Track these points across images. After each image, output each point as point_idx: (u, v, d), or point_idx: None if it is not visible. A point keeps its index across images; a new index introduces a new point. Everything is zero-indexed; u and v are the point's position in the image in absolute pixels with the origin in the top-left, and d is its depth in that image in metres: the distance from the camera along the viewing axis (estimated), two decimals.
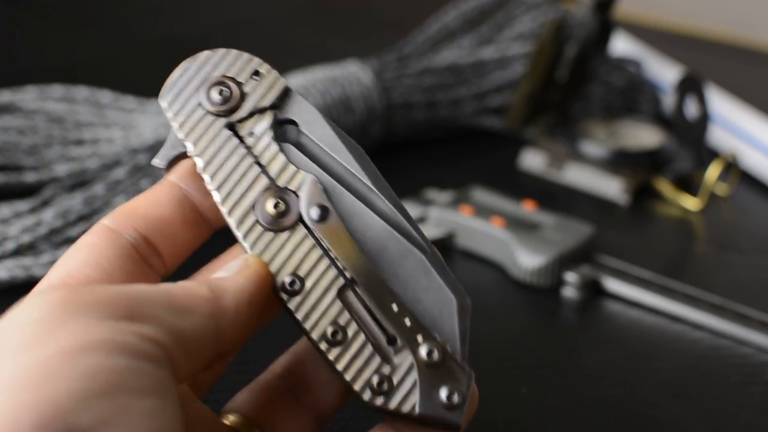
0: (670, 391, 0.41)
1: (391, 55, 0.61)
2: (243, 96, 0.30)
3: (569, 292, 0.47)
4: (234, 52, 0.31)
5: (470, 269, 0.49)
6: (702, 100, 0.57)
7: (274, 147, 0.30)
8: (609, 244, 0.51)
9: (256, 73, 0.31)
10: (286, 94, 0.31)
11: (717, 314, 0.45)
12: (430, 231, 0.50)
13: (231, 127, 0.30)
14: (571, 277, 0.47)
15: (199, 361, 0.27)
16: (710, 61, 0.76)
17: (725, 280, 0.50)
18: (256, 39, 0.76)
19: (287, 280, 0.29)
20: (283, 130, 0.31)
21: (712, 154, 0.59)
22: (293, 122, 0.31)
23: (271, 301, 0.29)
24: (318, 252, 0.29)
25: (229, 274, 0.29)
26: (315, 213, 0.29)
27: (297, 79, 0.56)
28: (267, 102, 0.30)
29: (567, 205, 0.55)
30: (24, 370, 0.23)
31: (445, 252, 0.50)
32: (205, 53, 0.31)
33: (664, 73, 0.66)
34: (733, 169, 0.57)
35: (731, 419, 0.40)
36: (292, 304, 0.29)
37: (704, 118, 0.57)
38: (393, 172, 0.57)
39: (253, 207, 0.29)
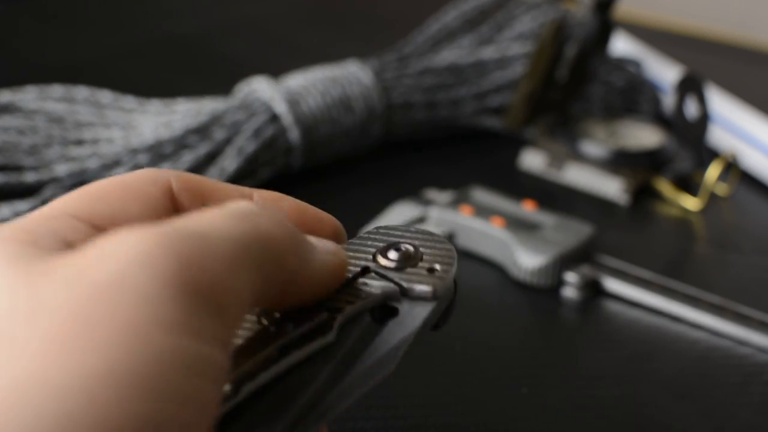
0: (670, 391, 0.41)
1: (391, 55, 0.61)
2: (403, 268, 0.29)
3: (569, 292, 0.47)
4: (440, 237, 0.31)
5: (470, 269, 0.49)
6: (702, 100, 0.57)
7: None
8: (609, 244, 0.51)
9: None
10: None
11: (717, 314, 0.45)
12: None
13: (365, 270, 0.29)
14: (571, 277, 0.47)
15: (269, 298, 0.26)
16: (710, 61, 0.76)
17: (725, 280, 0.50)
18: (257, 39, 0.76)
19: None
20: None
21: (712, 154, 0.59)
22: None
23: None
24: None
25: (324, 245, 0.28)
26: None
27: (297, 79, 0.56)
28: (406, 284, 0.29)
29: (567, 205, 0.55)
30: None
31: None
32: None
33: (664, 73, 0.66)
34: (733, 169, 0.57)
35: (731, 419, 0.40)
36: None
37: (704, 118, 0.57)
38: (393, 172, 0.58)
39: None
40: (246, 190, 0.30)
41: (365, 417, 0.39)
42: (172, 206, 0.28)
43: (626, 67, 0.65)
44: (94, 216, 0.27)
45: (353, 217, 0.50)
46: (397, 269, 0.29)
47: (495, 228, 0.49)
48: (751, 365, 0.43)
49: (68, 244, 0.25)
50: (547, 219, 0.50)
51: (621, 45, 0.68)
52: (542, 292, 0.47)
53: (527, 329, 0.46)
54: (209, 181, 0.29)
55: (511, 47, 0.62)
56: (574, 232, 0.49)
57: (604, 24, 0.59)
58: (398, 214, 0.50)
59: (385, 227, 0.31)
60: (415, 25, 0.65)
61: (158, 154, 0.50)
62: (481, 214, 0.50)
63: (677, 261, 0.53)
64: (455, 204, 0.51)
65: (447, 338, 0.44)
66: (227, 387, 0.24)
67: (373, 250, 0.30)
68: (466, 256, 0.50)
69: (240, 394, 0.25)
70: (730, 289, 0.48)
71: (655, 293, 0.46)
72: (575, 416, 0.40)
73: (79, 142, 0.53)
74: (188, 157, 0.50)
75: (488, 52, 0.62)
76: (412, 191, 0.53)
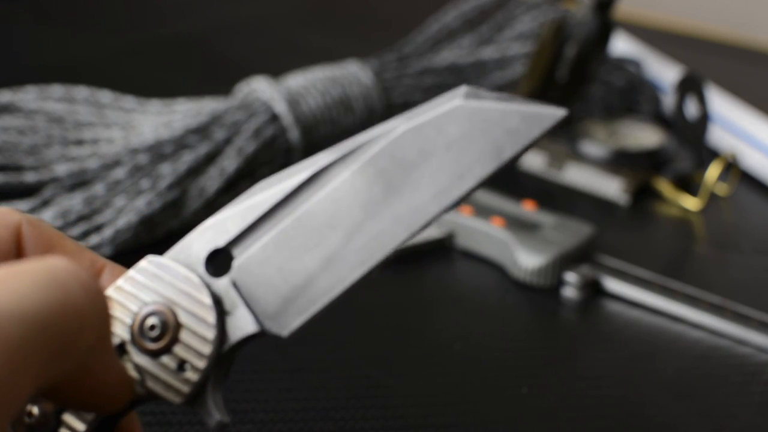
0: (670, 391, 0.41)
1: (391, 55, 0.61)
2: (154, 353, 0.27)
3: (569, 292, 0.47)
4: (210, 321, 0.27)
5: (470, 269, 0.49)
6: (702, 100, 0.57)
7: None
8: (609, 244, 0.51)
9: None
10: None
11: (717, 314, 0.45)
12: (431, 231, 0.50)
13: (120, 347, 0.27)
14: (571, 277, 0.47)
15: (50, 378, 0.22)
16: (710, 61, 0.76)
17: (725, 280, 0.50)
18: (257, 39, 0.76)
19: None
20: None
21: (712, 154, 0.59)
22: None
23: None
24: None
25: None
26: None
27: (297, 79, 0.56)
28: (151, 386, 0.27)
29: (567, 205, 0.55)
30: None
31: (445, 252, 0.50)
32: (206, 303, 0.27)
33: (664, 73, 0.66)
34: (733, 169, 0.57)
35: (731, 419, 0.40)
36: None
37: (704, 118, 0.57)
38: None
39: None
40: (98, 259, 0.28)
41: (365, 417, 0.39)
42: (17, 251, 0.26)
43: (626, 67, 0.65)
44: None
45: None
46: (149, 353, 0.27)
47: (495, 228, 0.49)
48: (751, 365, 0.43)
49: None
50: (547, 219, 0.50)
51: (621, 45, 0.68)
52: (542, 292, 0.47)
53: (527, 329, 0.46)
54: (62, 236, 0.27)
55: (511, 47, 0.62)
56: (574, 232, 0.49)
57: (604, 24, 0.59)
58: None
59: (158, 264, 0.27)
60: (415, 25, 0.65)
61: (158, 154, 0.50)
62: (481, 214, 0.50)
63: (677, 261, 0.53)
64: None
65: (447, 338, 0.44)
66: None
67: (135, 308, 0.27)
68: (466, 256, 0.50)
69: None
70: (730, 289, 0.48)
71: (655, 293, 0.46)
72: (575, 416, 0.40)
73: (79, 142, 0.53)
74: (188, 157, 0.50)
75: (488, 52, 0.62)
76: None
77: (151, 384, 0.27)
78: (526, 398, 0.41)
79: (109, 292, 0.27)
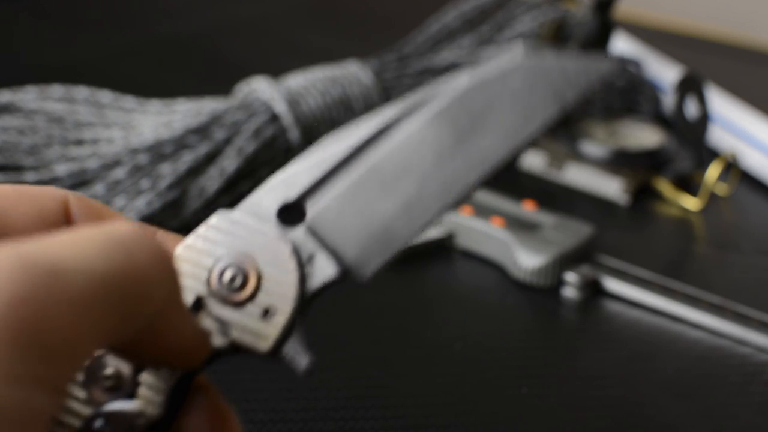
0: (670, 391, 0.41)
1: (391, 55, 0.61)
2: (238, 304, 0.27)
3: (569, 292, 0.47)
4: (291, 267, 0.27)
5: (470, 269, 0.49)
6: (702, 100, 0.57)
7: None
8: (609, 244, 0.51)
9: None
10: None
11: (717, 314, 0.45)
12: (431, 231, 0.50)
13: (197, 302, 0.27)
14: (571, 277, 0.47)
15: (122, 336, 0.23)
16: (710, 61, 0.76)
17: (725, 280, 0.50)
18: (257, 39, 0.76)
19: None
20: None
21: (712, 154, 0.59)
22: None
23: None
24: None
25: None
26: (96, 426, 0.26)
27: (297, 79, 0.56)
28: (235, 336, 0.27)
29: (567, 205, 0.55)
30: None
31: (445, 252, 0.50)
32: (286, 249, 0.27)
33: (664, 73, 0.66)
34: (733, 169, 0.57)
35: (731, 419, 0.40)
36: None
37: (704, 118, 0.57)
38: None
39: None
40: (149, 227, 0.28)
41: (365, 417, 0.39)
42: (66, 222, 0.27)
43: (626, 67, 0.65)
44: None
45: None
46: (230, 304, 0.27)
47: (495, 228, 0.49)
48: (751, 365, 0.43)
49: None
50: (547, 219, 0.50)
51: (621, 45, 0.68)
52: (542, 292, 0.47)
53: (527, 329, 0.46)
54: (107, 208, 0.28)
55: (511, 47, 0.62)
56: (574, 232, 0.49)
57: (604, 24, 0.59)
58: None
59: (229, 219, 0.28)
60: (415, 25, 0.65)
61: (158, 154, 0.50)
62: (481, 214, 0.50)
63: (677, 261, 0.53)
64: None
65: (447, 338, 0.44)
66: None
67: (210, 262, 0.27)
68: (466, 256, 0.50)
69: None
70: (730, 289, 0.48)
71: (655, 293, 0.46)
72: (575, 416, 0.40)
73: (79, 142, 0.53)
74: (188, 157, 0.50)
75: (488, 52, 0.62)
76: None
77: (236, 334, 0.27)
78: (526, 398, 0.41)
79: (179, 250, 0.27)
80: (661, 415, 0.40)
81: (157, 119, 0.54)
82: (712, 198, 0.56)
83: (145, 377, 0.26)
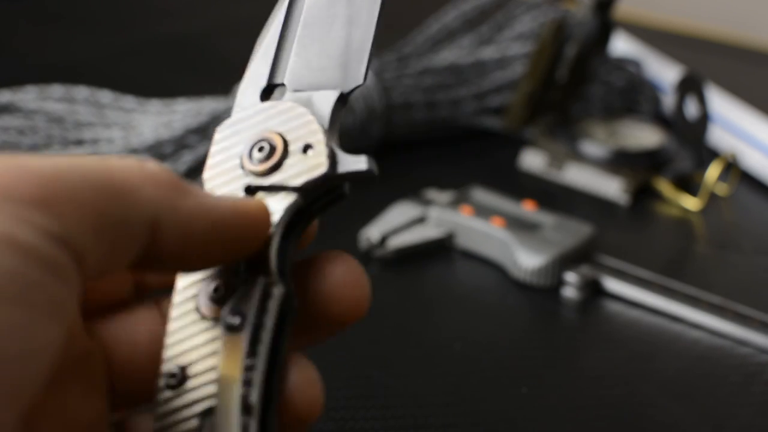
0: (670, 391, 0.41)
1: (391, 55, 0.61)
2: (279, 164, 0.28)
3: (569, 292, 0.47)
4: (301, 111, 0.29)
5: (470, 269, 0.49)
6: (702, 100, 0.57)
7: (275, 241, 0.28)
8: (609, 244, 0.51)
9: (308, 146, 0.28)
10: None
11: (717, 314, 0.45)
12: (431, 231, 0.50)
13: (249, 190, 0.28)
14: (571, 277, 0.47)
15: (124, 258, 0.24)
16: (710, 61, 0.76)
17: (725, 280, 0.50)
18: (257, 39, 0.76)
19: (172, 369, 0.27)
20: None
21: (712, 154, 0.59)
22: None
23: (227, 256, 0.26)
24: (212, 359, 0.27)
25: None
26: (230, 321, 0.27)
27: None
28: (298, 182, 0.28)
29: (567, 205, 0.55)
30: None
31: (445, 252, 0.50)
32: (286, 105, 0.29)
33: (664, 73, 0.66)
34: (733, 169, 0.57)
35: (731, 419, 0.40)
36: (162, 395, 0.26)
37: (704, 118, 0.57)
38: (393, 172, 0.58)
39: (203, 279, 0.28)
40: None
41: (365, 417, 0.39)
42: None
43: (626, 67, 0.65)
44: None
45: (353, 217, 0.50)
46: (274, 169, 0.28)
47: (495, 228, 0.49)
48: (751, 365, 0.43)
49: None
50: (547, 219, 0.50)
51: (621, 45, 0.68)
52: (542, 292, 0.47)
53: (527, 329, 0.46)
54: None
55: (511, 47, 0.62)
56: (574, 232, 0.49)
57: (604, 24, 0.59)
58: (398, 214, 0.50)
59: (227, 124, 0.30)
60: (415, 25, 0.65)
61: (158, 154, 0.50)
62: (481, 214, 0.50)
63: (677, 261, 0.53)
64: (455, 204, 0.51)
65: (447, 338, 0.44)
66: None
67: (234, 160, 0.29)
68: (466, 256, 0.50)
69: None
70: (730, 289, 0.48)
71: (655, 293, 0.46)
72: (575, 416, 0.40)
73: (79, 142, 0.53)
74: (188, 157, 0.50)
75: (488, 52, 0.62)
76: (412, 191, 0.53)
77: (297, 182, 0.28)
78: (526, 398, 0.41)
79: (205, 175, 0.29)
80: (661, 415, 0.40)
81: (157, 119, 0.54)
82: (712, 198, 0.56)
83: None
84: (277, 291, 0.27)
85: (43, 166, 0.22)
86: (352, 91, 0.30)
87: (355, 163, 0.28)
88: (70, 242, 0.22)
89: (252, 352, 0.26)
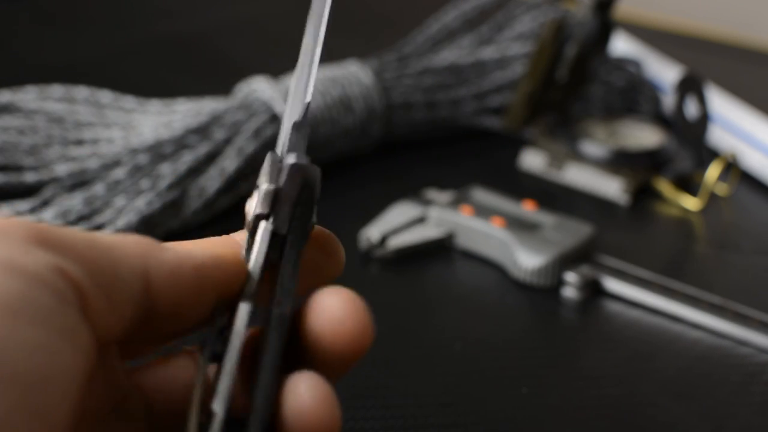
0: (670, 391, 0.41)
1: (391, 55, 0.61)
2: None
3: (569, 292, 0.47)
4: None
5: (470, 269, 0.49)
6: (702, 100, 0.57)
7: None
8: (609, 244, 0.51)
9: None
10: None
11: (717, 314, 0.45)
12: (431, 231, 0.50)
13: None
14: (571, 277, 0.47)
15: (124, 311, 0.24)
16: (710, 61, 0.76)
17: (725, 280, 0.50)
18: (257, 39, 0.76)
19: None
20: None
21: (712, 154, 0.59)
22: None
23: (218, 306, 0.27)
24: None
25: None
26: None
27: None
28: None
29: (567, 205, 0.55)
30: None
31: (445, 252, 0.50)
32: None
33: (664, 73, 0.66)
34: (733, 169, 0.57)
35: (731, 419, 0.40)
36: None
37: (704, 118, 0.57)
38: (393, 172, 0.58)
39: None
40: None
41: (365, 417, 0.39)
42: None
43: (626, 67, 0.65)
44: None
45: (353, 217, 0.50)
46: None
47: (495, 228, 0.49)
48: (751, 365, 0.43)
49: None
50: (547, 219, 0.50)
51: (621, 45, 0.68)
52: (542, 292, 0.47)
53: (527, 329, 0.46)
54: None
55: (511, 47, 0.62)
56: (574, 232, 0.49)
57: (604, 24, 0.59)
58: (398, 214, 0.50)
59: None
60: (415, 25, 0.65)
61: (158, 154, 0.50)
62: (481, 214, 0.50)
63: (677, 261, 0.53)
64: (455, 204, 0.51)
65: (447, 338, 0.44)
66: None
67: (249, 218, 0.29)
68: (466, 256, 0.50)
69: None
70: (730, 289, 0.48)
71: (655, 293, 0.46)
72: (575, 416, 0.40)
73: (79, 142, 0.53)
74: (188, 157, 0.50)
75: (488, 52, 0.62)
76: (412, 191, 0.53)
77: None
78: (526, 398, 0.41)
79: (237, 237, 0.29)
80: (661, 415, 0.40)
81: (157, 119, 0.54)
82: (712, 198, 0.56)
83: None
84: (244, 307, 0.27)
85: (33, 223, 0.23)
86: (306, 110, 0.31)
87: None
88: (72, 276, 0.23)
89: (213, 359, 0.26)
